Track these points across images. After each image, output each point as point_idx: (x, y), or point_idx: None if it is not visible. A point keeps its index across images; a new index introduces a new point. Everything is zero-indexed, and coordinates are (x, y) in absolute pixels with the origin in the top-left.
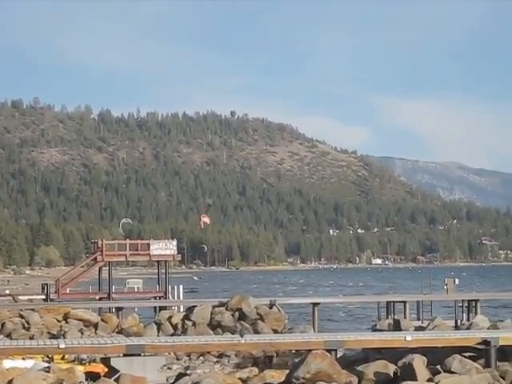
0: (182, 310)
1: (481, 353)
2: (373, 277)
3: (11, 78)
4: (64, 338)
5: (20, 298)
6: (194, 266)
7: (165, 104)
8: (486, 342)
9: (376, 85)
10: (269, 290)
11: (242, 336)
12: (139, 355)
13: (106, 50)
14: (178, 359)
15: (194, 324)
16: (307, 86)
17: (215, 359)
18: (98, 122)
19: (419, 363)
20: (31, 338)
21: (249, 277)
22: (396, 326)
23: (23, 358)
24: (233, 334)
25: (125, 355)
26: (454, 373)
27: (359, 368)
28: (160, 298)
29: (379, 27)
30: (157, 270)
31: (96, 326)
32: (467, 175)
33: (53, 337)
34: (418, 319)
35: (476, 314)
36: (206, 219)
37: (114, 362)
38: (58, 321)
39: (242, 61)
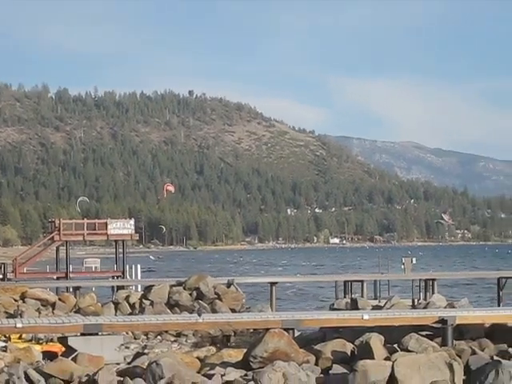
0: (139, 289)
1: (437, 331)
2: (330, 256)
3: None
4: (21, 317)
5: None
6: (152, 246)
7: (123, 83)
8: (442, 321)
9: (333, 65)
10: (221, 269)
11: (199, 315)
12: (97, 334)
13: (63, 29)
14: (135, 338)
15: (152, 303)
16: (265, 66)
17: (173, 338)
18: (55, 101)
19: (376, 342)
20: None
21: (206, 256)
22: (353, 305)
23: None
24: (191, 313)
25: (82, 334)
26: (410, 351)
27: (317, 347)
28: (118, 278)
29: (337, 8)
30: (114, 250)
31: (53, 305)
32: (424, 155)
33: (10, 316)
34: (376, 298)
35: (433, 293)
36: (170, 188)
37: (71, 342)
38: (15, 300)
39: (201, 41)
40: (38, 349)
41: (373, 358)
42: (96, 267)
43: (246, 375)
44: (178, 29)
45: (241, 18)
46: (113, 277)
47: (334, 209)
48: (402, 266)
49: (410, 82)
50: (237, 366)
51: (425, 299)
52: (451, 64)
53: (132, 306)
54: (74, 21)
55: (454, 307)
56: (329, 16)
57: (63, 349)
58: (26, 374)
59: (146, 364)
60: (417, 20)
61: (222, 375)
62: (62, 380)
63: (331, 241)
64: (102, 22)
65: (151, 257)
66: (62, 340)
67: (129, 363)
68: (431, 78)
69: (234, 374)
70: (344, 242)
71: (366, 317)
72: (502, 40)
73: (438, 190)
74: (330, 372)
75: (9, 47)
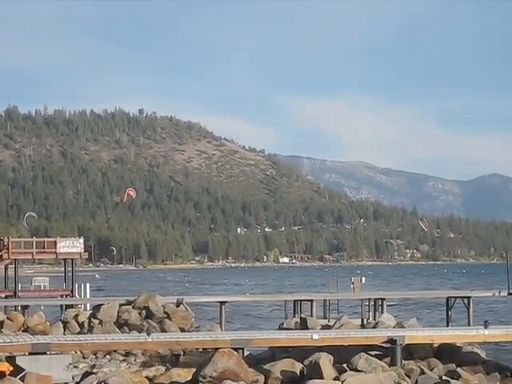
0: (88, 308)
1: (387, 351)
2: (279, 275)
3: None
4: None
5: None
6: (102, 264)
7: (72, 101)
8: (391, 341)
9: (283, 84)
10: (163, 288)
11: (148, 334)
12: (45, 354)
13: (12, 46)
14: (84, 358)
15: (101, 322)
16: (215, 86)
17: (122, 358)
18: (4, 119)
19: (326, 361)
20: None
21: (154, 275)
22: (303, 325)
23: None
24: (140, 332)
25: (30, 354)
26: (360, 371)
27: (266, 366)
28: (67, 296)
29: (284, 26)
30: (63, 268)
31: (1, 324)
32: (374, 174)
33: None
34: (325, 318)
35: (382, 312)
36: (131, 192)
37: (19, 361)
38: None
39: (152, 59)
40: None
41: (322, 378)
42: (45, 286)
43: None
44: (128, 47)
45: (190, 37)
46: (62, 295)
47: (283, 228)
48: (352, 286)
49: (359, 102)
50: None
51: (374, 319)
52: (401, 83)
53: (81, 325)
54: (23, 38)
55: (403, 327)
56: (276, 34)
57: (11, 368)
58: None
59: (95, 383)
60: (366, 38)
61: None
62: None
63: (281, 260)
64: (52, 38)
65: (97, 275)
66: (10, 359)
67: (77, 383)
68: (381, 98)
69: None
70: (294, 261)
71: (315, 336)
72: (452, 59)
73: (387, 209)
74: None
75: None
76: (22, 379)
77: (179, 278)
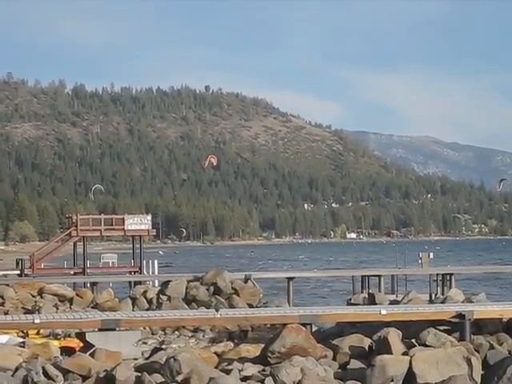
0: (156, 284)
1: (455, 326)
2: (347, 251)
3: None
4: (39, 313)
5: None
6: (169, 241)
7: (139, 79)
8: (460, 316)
9: (350, 60)
10: (230, 264)
11: (217, 310)
12: (114, 330)
13: (80, 24)
14: (153, 334)
15: (169, 298)
16: (282, 61)
17: (190, 334)
18: (71, 97)
19: (394, 337)
20: (6, 313)
21: (222, 251)
22: (371, 300)
23: None
24: (208, 308)
25: (100, 330)
26: (428, 346)
27: (334, 342)
28: (135, 273)
29: (353, 2)
30: (131, 245)
31: (71, 300)
32: (441, 149)
33: (27, 312)
34: (393, 293)
35: (450, 287)
36: (213, 160)
37: (89, 337)
38: (33, 296)
39: (218, 36)
40: (55, 344)
41: (390, 353)
42: (113, 263)
43: (263, 370)
44: (195, 23)
45: (257, 13)
46: (130, 272)
47: (350, 204)
48: (420, 261)
49: (427, 76)
50: (254, 361)
51: (442, 294)
52: (468, 57)
53: (149, 302)
54: (91, 15)
55: (471, 302)
56: (341, 8)
57: (81, 344)
58: (44, 369)
59: (164, 359)
60: (432, 11)
61: (239, 370)
62: (80, 375)
63: (348, 236)
64: (118, 17)
65: (160, 252)
66: (80, 335)
67: (146, 358)
68: (448, 71)
69: (251, 369)
70: (361, 236)
71: (383, 312)
72: None
73: (454, 184)
74: (348, 367)
75: (25, 43)
76: (91, 355)
77: (247, 254)
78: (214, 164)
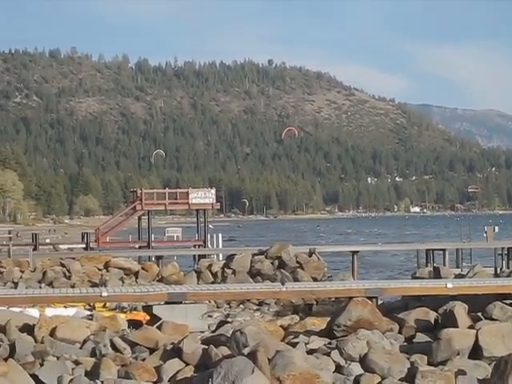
0: (221, 258)
1: None
2: (411, 225)
3: (49, 27)
4: (105, 286)
5: (60, 246)
6: (233, 215)
7: (202, 53)
8: None
9: (414, 33)
10: (295, 237)
11: (283, 284)
12: (180, 303)
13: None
14: (218, 307)
15: (234, 272)
16: (345, 34)
17: (255, 307)
18: (135, 72)
19: (460, 310)
20: (72, 287)
21: (285, 225)
22: (436, 274)
23: (65, 307)
24: (272, 282)
25: (166, 303)
26: (495, 320)
27: (400, 315)
28: (199, 247)
29: None
30: (196, 219)
31: (136, 274)
32: (506, 123)
33: (94, 285)
34: (458, 267)
35: None
36: (295, 130)
37: (155, 310)
38: (99, 269)
39: (280, 9)
40: (122, 317)
41: (457, 327)
42: (178, 236)
43: (329, 343)
44: None
45: None
46: (194, 246)
47: (414, 177)
48: (484, 235)
49: (491, 48)
50: (320, 334)
51: (508, 268)
52: None
53: (214, 275)
54: None
55: None
56: None
57: (147, 317)
58: (111, 341)
59: (230, 332)
60: None
61: (305, 343)
62: (148, 348)
63: (412, 209)
64: None
65: (210, 226)
66: (147, 309)
67: (213, 332)
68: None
69: (317, 342)
70: (424, 210)
71: (449, 285)
72: None
73: None
74: (414, 340)
75: (89, 18)
76: (158, 328)
77: (311, 228)
78: (296, 135)
